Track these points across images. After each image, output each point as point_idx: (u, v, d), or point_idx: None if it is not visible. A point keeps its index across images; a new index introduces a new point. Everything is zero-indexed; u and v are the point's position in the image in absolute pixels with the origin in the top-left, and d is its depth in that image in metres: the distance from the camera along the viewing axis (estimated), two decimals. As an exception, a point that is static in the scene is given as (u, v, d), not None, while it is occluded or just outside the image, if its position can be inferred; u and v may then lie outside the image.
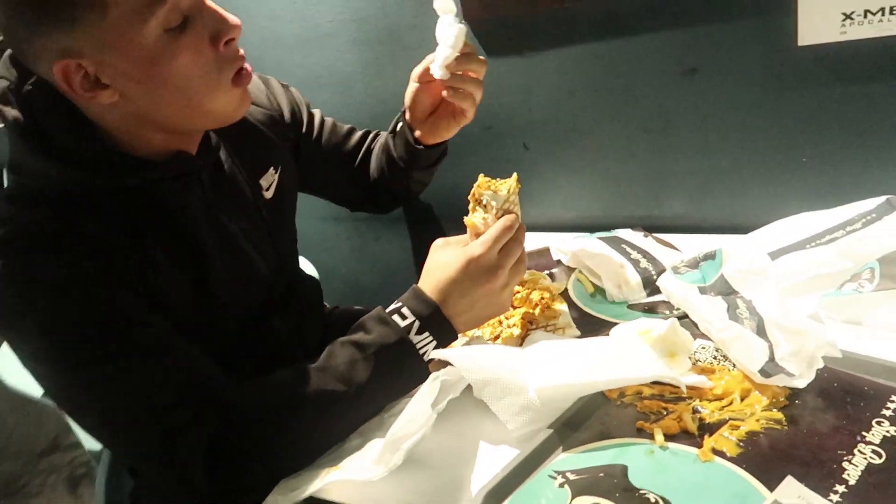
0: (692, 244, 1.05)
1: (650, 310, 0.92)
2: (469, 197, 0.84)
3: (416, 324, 0.77)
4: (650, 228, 1.12)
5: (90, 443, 1.23)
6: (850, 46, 0.92)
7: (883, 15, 0.89)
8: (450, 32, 0.89)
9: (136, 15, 0.66)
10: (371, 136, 1.17)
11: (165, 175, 0.80)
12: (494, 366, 0.74)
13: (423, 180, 1.14)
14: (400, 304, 0.79)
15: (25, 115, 0.74)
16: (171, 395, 0.71)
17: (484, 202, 0.83)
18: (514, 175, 0.85)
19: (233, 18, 0.74)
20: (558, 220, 1.22)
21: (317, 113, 1.12)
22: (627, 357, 0.72)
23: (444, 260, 0.81)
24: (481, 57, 0.94)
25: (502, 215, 0.83)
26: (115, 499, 1.10)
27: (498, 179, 0.85)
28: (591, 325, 0.90)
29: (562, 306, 0.94)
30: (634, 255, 0.98)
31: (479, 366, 0.73)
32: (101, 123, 0.76)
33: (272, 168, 1.00)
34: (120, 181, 0.76)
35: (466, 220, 0.83)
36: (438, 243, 0.85)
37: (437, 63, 0.91)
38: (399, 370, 0.77)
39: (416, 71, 0.98)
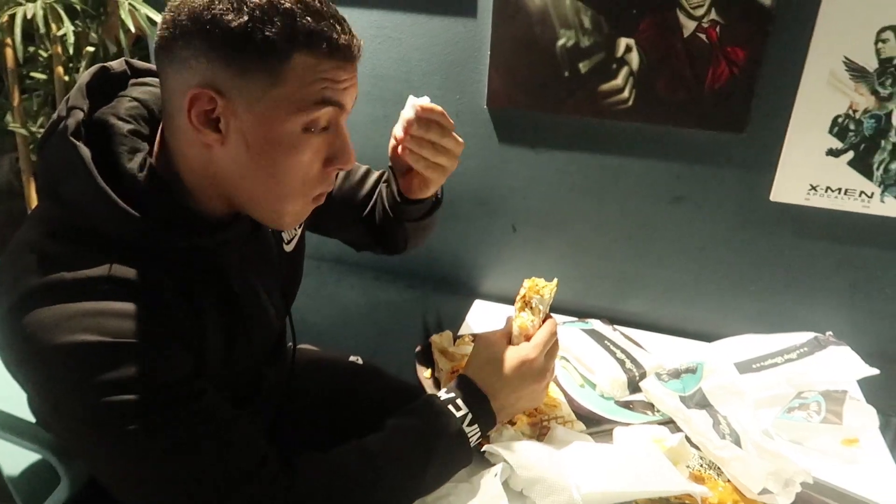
0: (650, 341, 1.22)
1: (631, 407, 1.05)
2: (518, 298, 0.92)
3: (469, 416, 0.83)
4: (611, 321, 1.26)
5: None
6: (809, 210, 1.13)
7: (839, 193, 1.11)
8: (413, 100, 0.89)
9: (294, 104, 0.69)
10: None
11: (231, 237, 0.78)
12: (541, 465, 0.82)
13: (416, 234, 1.08)
14: (453, 394, 0.84)
15: (96, 151, 0.70)
16: (245, 465, 0.70)
17: (533, 305, 0.91)
18: (555, 280, 0.94)
19: (354, 156, 0.76)
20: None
21: None
22: (657, 469, 0.83)
23: (497, 356, 0.87)
24: (454, 134, 0.91)
25: (545, 318, 0.92)
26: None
27: (540, 280, 0.93)
28: (588, 421, 1.00)
29: (559, 395, 1.04)
30: (619, 354, 1.11)
31: (529, 464, 0.81)
32: (182, 170, 0.73)
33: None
34: (190, 241, 0.74)
35: (519, 322, 0.90)
36: (486, 337, 0.91)
37: (398, 123, 0.91)
38: (452, 459, 0.82)
39: (396, 127, 0.95)
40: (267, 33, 0.65)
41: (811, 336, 1.15)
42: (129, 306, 0.67)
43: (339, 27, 0.70)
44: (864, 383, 1.10)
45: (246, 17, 0.65)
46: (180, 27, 0.67)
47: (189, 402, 0.70)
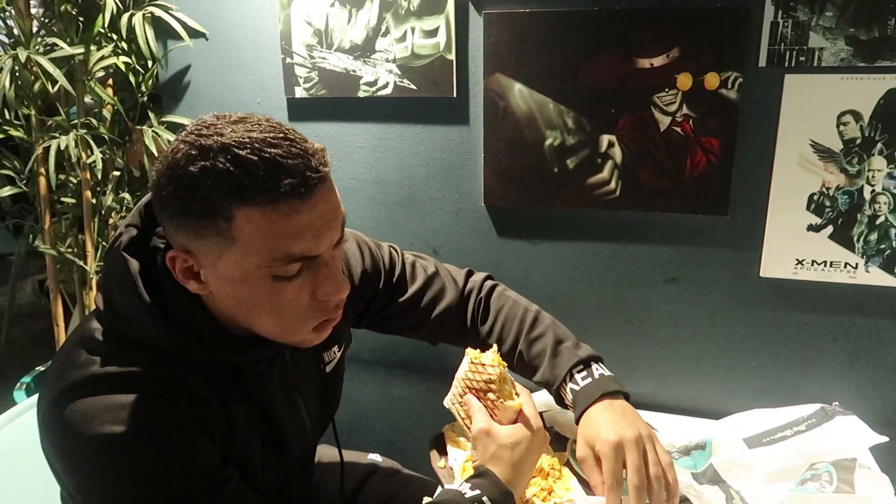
0: (658, 421, 1.23)
1: (644, 488, 1.06)
2: (489, 384, 0.92)
3: None
4: (620, 404, 1.29)
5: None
6: (799, 284, 1.18)
7: (825, 266, 1.16)
8: None
9: (253, 262, 0.70)
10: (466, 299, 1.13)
11: (260, 357, 0.82)
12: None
13: None
14: (479, 492, 0.83)
15: (147, 268, 0.76)
16: None
17: (505, 378, 0.94)
18: (494, 346, 0.96)
19: (343, 286, 0.76)
20: (532, 387, 1.34)
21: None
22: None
23: (513, 439, 0.88)
24: None
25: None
26: None
27: (477, 351, 0.95)
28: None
29: (572, 480, 1.05)
30: (628, 435, 1.13)
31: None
32: (205, 302, 0.78)
33: (337, 346, 1.02)
34: (224, 358, 0.79)
35: (511, 404, 0.91)
36: (484, 428, 0.90)
37: None
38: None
39: None
40: (204, 196, 0.67)
41: (818, 407, 1.16)
42: (162, 402, 0.72)
43: (277, 170, 0.66)
44: (877, 452, 1.10)
45: (183, 186, 0.67)
46: (154, 199, 0.72)
47: (217, 491, 0.73)
